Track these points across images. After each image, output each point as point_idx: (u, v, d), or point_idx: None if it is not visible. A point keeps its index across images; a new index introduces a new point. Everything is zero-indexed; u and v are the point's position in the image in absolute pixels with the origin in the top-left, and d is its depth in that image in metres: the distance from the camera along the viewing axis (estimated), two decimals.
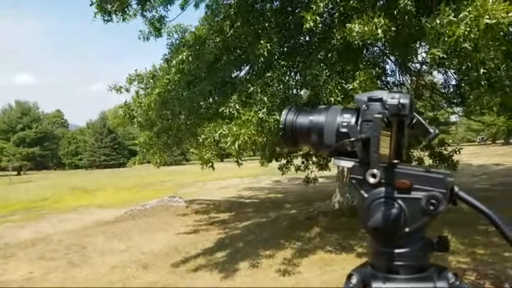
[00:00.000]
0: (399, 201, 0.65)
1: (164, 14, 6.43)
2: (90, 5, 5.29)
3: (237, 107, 4.59)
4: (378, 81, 7.81)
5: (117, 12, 5.20)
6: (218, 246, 6.77)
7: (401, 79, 9.50)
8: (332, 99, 4.30)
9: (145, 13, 6.25)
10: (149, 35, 6.50)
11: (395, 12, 3.82)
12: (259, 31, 5.30)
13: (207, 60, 5.55)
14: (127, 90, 6.72)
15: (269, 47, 4.69)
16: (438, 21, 3.10)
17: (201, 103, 5.56)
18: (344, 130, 0.70)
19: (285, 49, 5.65)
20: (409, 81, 9.98)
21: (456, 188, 0.68)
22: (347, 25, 3.50)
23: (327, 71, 4.53)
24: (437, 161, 9.66)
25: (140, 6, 5.65)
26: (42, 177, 43.41)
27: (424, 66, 8.74)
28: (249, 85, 4.92)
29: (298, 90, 5.47)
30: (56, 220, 11.26)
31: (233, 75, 5.96)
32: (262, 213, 10.16)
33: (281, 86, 4.98)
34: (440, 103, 10.43)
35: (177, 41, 6.47)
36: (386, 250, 0.67)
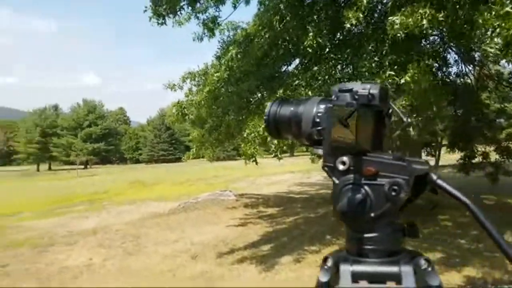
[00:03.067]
0: (366, 187, 0.66)
1: (217, 14, 6.60)
2: (144, 11, 5.56)
3: None
4: (438, 72, 7.46)
5: (169, 15, 5.41)
6: (264, 239, 6.84)
7: (464, 69, 9.00)
8: None
9: (198, 15, 6.45)
10: (202, 35, 6.69)
11: (444, 2, 3.61)
12: (308, 24, 5.25)
13: (256, 57, 5.61)
14: (181, 88, 6.93)
15: (318, 39, 4.63)
16: (492, 13, 2.86)
17: (250, 99, 5.64)
18: (318, 120, 0.71)
19: (335, 41, 5.56)
20: (472, 72, 9.43)
21: (434, 176, 0.67)
22: (389, 18, 3.38)
23: (377, 63, 4.39)
24: (504, 156, 9.06)
25: (191, 8, 5.81)
26: (105, 171, 46.19)
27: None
28: (295, 78, 4.90)
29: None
30: (115, 212, 11.94)
31: (280, 70, 5.97)
32: (310, 209, 10.09)
33: (328, 79, 4.91)
34: (510, 94, 9.80)
35: (229, 39, 6.60)
36: (356, 235, 0.68)
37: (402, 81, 3.84)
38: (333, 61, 5.02)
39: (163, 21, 5.58)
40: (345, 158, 0.67)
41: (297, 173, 23.20)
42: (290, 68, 6.21)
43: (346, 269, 0.67)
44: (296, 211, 9.91)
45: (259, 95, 5.64)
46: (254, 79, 5.45)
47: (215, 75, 5.89)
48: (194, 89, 6.94)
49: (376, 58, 4.32)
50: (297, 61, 6.09)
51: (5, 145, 68.23)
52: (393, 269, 0.66)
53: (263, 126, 4.42)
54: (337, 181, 0.68)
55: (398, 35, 3.34)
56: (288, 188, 15.96)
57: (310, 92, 4.55)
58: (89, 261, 6.29)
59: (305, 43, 4.64)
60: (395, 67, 4.08)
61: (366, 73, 4.19)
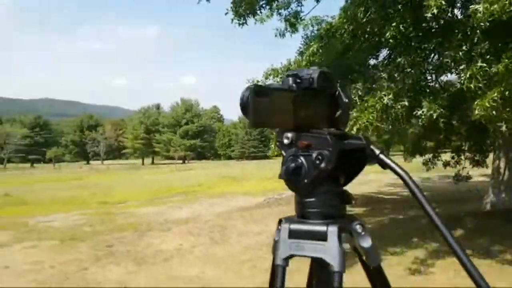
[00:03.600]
0: (301, 158, 0.75)
1: (299, 9, 6.63)
2: (226, 13, 5.84)
3: (360, 93, 4.49)
4: None
5: (249, 15, 5.61)
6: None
7: None
8: (471, 85, 3.85)
9: (280, 11, 6.55)
10: (284, 31, 6.77)
11: None
12: (391, 14, 5.04)
13: (337, 51, 5.54)
14: None
15: (401, 29, 4.44)
16: None
17: None
18: None
19: (419, 31, 5.26)
20: None
21: (377, 151, 0.77)
22: (470, 6, 3.12)
23: (466, 52, 4.07)
24: None
25: (268, 7, 5.95)
26: (200, 166, 49.09)
27: None
28: (376, 71, 4.76)
29: (433, 75, 5.06)
30: (207, 204, 12.67)
31: (362, 64, 5.82)
32: (400, 210, 9.63)
33: (413, 71, 4.68)
34: None
35: (312, 34, 6.59)
36: (299, 199, 0.80)
37: (494, 71, 3.51)
38: (418, 52, 4.75)
39: (244, 21, 5.78)
40: (289, 134, 0.77)
41: (391, 173, 22.15)
42: (372, 61, 6.02)
43: (285, 227, 0.80)
44: (383, 212, 9.54)
45: None
46: (334, 74, 5.37)
47: None
48: None
49: (464, 48, 4.00)
50: (380, 53, 5.88)
51: (116, 140, 75.83)
52: (323, 228, 0.74)
53: None
54: (284, 154, 0.78)
55: (482, 24, 3.07)
56: (379, 188, 15.37)
57: (392, 85, 4.39)
58: (180, 246, 6.82)
59: (387, 34, 4.48)
60: (487, 56, 3.74)
61: (452, 64, 3.91)
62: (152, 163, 67.77)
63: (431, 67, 4.66)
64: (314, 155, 0.74)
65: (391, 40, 4.49)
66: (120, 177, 29.33)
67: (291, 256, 0.78)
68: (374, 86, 4.53)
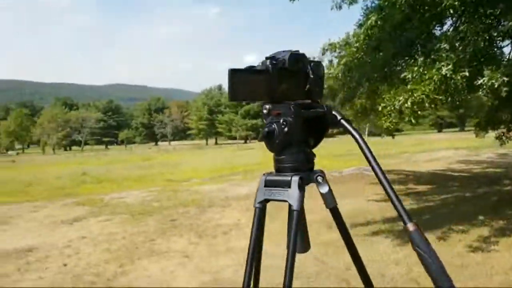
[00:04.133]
0: (274, 124, 0.92)
1: None
2: None
3: (421, 70, 4.28)
4: None
5: None
6: None
7: None
8: None
9: None
10: (341, 3, 6.54)
11: None
12: None
13: (396, 22, 5.29)
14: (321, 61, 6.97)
15: None
16: None
17: (385, 69, 5.39)
18: None
19: None
20: None
21: (338, 117, 0.93)
22: None
23: None
24: None
25: None
26: (261, 145, 49.60)
27: None
28: (437, 41, 4.50)
29: (500, 43, 4.68)
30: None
31: (422, 35, 5.51)
32: (468, 188, 9.13)
33: (476, 40, 4.36)
34: None
35: (373, 5, 6.31)
36: (274, 157, 0.99)
37: None
38: (483, 18, 4.40)
39: None
40: (267, 106, 0.95)
41: (463, 149, 20.95)
42: (433, 32, 5.66)
43: (263, 179, 0.99)
44: (450, 190, 9.10)
45: (394, 64, 5.32)
46: (391, 47, 5.16)
47: (354, 45, 5.77)
48: (335, 61, 6.88)
49: None
50: (441, 24, 5.51)
51: (181, 122, 78.91)
52: (288, 178, 0.94)
53: (399, 98, 4.23)
54: (264, 121, 0.95)
55: None
56: (448, 165, 14.60)
57: (452, 55, 4.13)
58: (238, 221, 7.09)
59: (447, 3, 4.21)
60: None
61: None
62: (216, 143, 69.91)
63: (495, 34, 4.30)
64: (281, 121, 0.92)
65: (451, 10, 4.20)
66: (185, 157, 30.65)
67: (266, 200, 0.98)
68: (433, 57, 4.29)
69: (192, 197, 10.31)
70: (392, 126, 4.61)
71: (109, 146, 73.00)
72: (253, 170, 17.07)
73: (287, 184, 0.94)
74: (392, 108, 4.23)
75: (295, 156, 0.96)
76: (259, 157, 25.13)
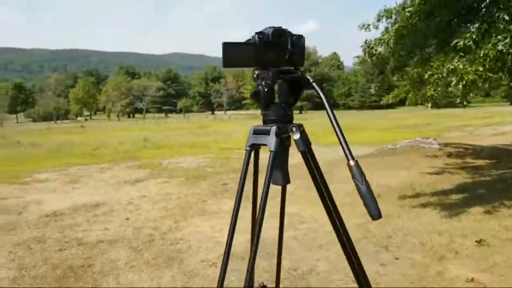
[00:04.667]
0: (260, 86, 1.20)
1: None
2: None
3: (474, 37, 4.09)
4: None
5: None
6: (458, 189, 6.40)
7: None
8: None
9: None
10: None
11: None
12: None
13: None
14: (376, 28, 6.69)
15: None
16: None
17: (438, 37, 5.16)
18: None
19: None
20: None
21: (310, 80, 1.15)
22: None
23: None
24: None
25: None
26: (317, 115, 49.06)
27: None
28: (495, 9, 4.25)
29: None
30: (318, 152, 12.88)
31: (481, 2, 5.18)
32: None
33: None
34: None
35: None
36: (262, 111, 1.26)
37: None
38: None
39: None
40: (256, 71, 1.19)
41: None
42: None
43: (251, 129, 1.29)
44: (511, 165, 8.64)
45: (447, 31, 5.06)
46: (446, 13, 4.92)
47: (407, 9, 5.55)
48: (390, 28, 6.64)
49: None
50: None
51: (237, 92, 79.64)
52: (268, 128, 1.22)
53: (447, 66, 4.10)
54: (255, 83, 1.21)
55: None
56: None
57: (511, 27, 3.89)
58: (289, 190, 7.30)
59: None
60: None
61: None
62: None
63: None
64: (263, 83, 1.18)
65: None
66: (239, 126, 31.20)
67: (253, 144, 1.29)
68: (490, 29, 4.06)
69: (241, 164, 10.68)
70: (436, 95, 4.48)
71: (168, 115, 75.97)
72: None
73: (268, 133, 1.21)
74: (440, 76, 4.11)
75: (275, 111, 1.23)
76: (314, 127, 25.00)
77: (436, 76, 4.22)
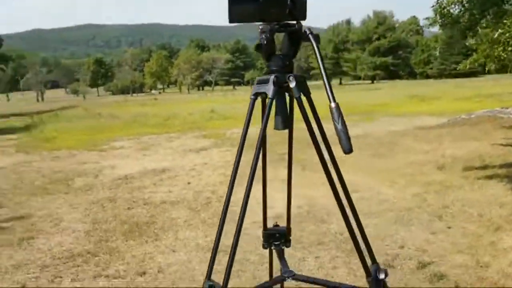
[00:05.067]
0: (261, 40, 1.29)
1: None
2: None
3: None
4: None
5: None
6: None
7: None
8: None
9: None
10: None
11: None
12: None
13: None
14: None
15: None
16: None
17: None
18: None
19: None
20: None
21: (307, 31, 1.22)
22: None
23: None
24: None
25: None
26: (390, 85, 46.83)
27: None
28: None
29: None
30: (386, 123, 12.51)
31: None
32: None
33: None
34: None
35: None
36: (264, 62, 1.36)
37: None
38: None
39: None
40: (260, 26, 1.29)
41: None
42: None
43: (256, 79, 1.39)
44: None
45: None
46: None
47: None
48: None
49: None
50: None
51: (305, 61, 78.13)
52: (268, 77, 1.31)
53: None
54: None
55: None
56: None
57: None
58: (343, 157, 7.22)
59: None
60: None
61: None
62: (340, 83, 68.13)
63: None
64: (263, 37, 1.27)
65: None
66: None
67: (256, 93, 1.37)
68: None
69: (306, 135, 10.68)
70: (505, 56, 4.11)
71: (236, 87, 77.19)
72: (375, 111, 16.53)
73: (268, 82, 1.31)
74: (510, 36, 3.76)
75: (275, 62, 1.32)
76: (386, 98, 24.02)
77: (508, 35, 3.87)
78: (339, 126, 1.13)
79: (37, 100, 66.13)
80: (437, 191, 4.94)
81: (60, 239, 4.03)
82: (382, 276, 1.33)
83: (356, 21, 68.60)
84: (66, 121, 18.62)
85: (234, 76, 79.32)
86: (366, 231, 3.79)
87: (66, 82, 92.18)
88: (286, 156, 6.74)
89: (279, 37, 1.41)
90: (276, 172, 6.32)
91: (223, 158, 8.01)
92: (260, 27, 1.28)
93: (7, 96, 78.57)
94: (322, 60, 1.19)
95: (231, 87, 77.88)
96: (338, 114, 1.13)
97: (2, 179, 6.98)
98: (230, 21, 1.26)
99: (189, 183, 6.09)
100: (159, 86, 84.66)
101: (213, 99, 35.18)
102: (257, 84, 1.36)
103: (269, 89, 1.30)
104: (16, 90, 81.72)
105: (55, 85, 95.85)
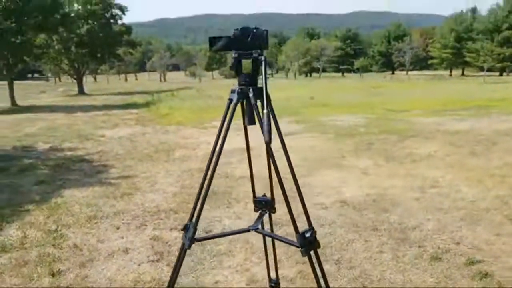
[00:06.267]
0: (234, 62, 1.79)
1: None
2: None
3: None
4: None
5: None
6: None
7: None
8: None
9: None
10: None
11: None
12: None
13: None
14: None
15: None
16: None
17: None
18: None
19: None
20: None
21: (262, 58, 1.69)
22: None
23: None
24: None
25: None
26: None
27: None
28: None
29: None
30: (497, 119, 11.39)
31: None
32: None
33: None
34: None
35: None
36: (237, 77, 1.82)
37: None
38: None
39: None
40: (233, 54, 1.76)
41: None
42: None
43: (232, 88, 1.83)
44: None
45: None
46: None
47: None
48: None
49: None
50: None
51: (423, 50, 72.75)
52: (235, 88, 1.80)
53: None
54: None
55: None
56: None
57: None
58: (434, 153, 6.96)
59: None
60: None
61: None
62: (462, 74, 62.06)
63: None
64: (233, 60, 1.77)
65: None
66: (418, 87, 29.05)
67: (229, 99, 1.82)
68: None
69: (402, 126, 10.33)
70: None
71: (345, 74, 75.42)
72: (491, 106, 15.03)
73: (235, 91, 1.80)
74: None
75: (241, 78, 1.80)
76: (506, 92, 21.49)
77: None
78: (265, 126, 1.57)
79: (160, 80, 73.21)
80: None
81: (153, 197, 4.82)
82: (308, 234, 1.76)
83: (484, 10, 61.23)
84: (179, 100, 20.57)
85: (344, 63, 77.54)
86: (428, 224, 3.85)
87: (185, 65, 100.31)
88: (373, 146, 6.97)
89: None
90: (358, 162, 6.44)
91: (309, 143, 8.28)
92: (233, 54, 1.74)
93: (135, 75, 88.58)
94: (266, 79, 1.63)
95: (339, 74, 76.39)
96: (267, 118, 1.56)
97: (120, 146, 8.28)
98: (212, 51, 1.77)
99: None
100: (269, 72, 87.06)
101: (316, 86, 35.13)
102: (231, 92, 1.82)
103: (234, 97, 1.78)
104: (143, 71, 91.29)
105: (176, 67, 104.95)
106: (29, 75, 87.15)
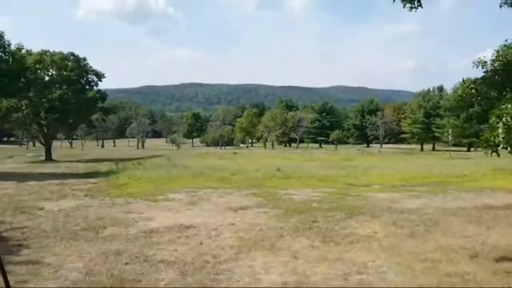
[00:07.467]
0: None
1: None
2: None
3: None
4: None
5: None
6: None
7: None
8: None
9: None
10: None
11: None
12: None
13: None
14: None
15: None
16: None
17: None
18: None
19: None
20: None
21: None
22: None
23: None
24: None
25: None
26: (480, 155, 42.74)
27: None
28: None
29: None
30: (451, 197, 11.45)
31: None
32: None
33: None
34: None
35: None
36: None
37: None
38: None
39: None
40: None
41: None
42: None
43: None
44: None
45: None
46: None
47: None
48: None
49: None
50: None
51: (396, 125, 75.65)
52: None
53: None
54: None
55: None
56: None
57: None
58: (373, 234, 6.76)
59: None
60: None
61: None
62: (433, 149, 64.08)
63: None
64: None
65: None
66: (387, 161, 29.59)
67: None
68: None
69: (355, 202, 10.21)
70: (493, 141, 3.71)
71: (322, 145, 77.16)
72: (450, 182, 15.22)
73: None
74: (505, 121, 3.42)
75: None
76: (470, 168, 21.96)
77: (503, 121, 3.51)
78: None
79: (137, 147, 73.02)
80: (453, 283, 4.38)
81: (49, 285, 4.37)
82: None
83: (449, 88, 65.18)
84: (143, 169, 20.21)
85: (320, 134, 79.72)
86: None
87: (167, 132, 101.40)
88: (315, 225, 6.31)
89: None
90: (294, 243, 6.19)
91: (253, 220, 8.01)
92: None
93: (114, 142, 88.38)
94: None
95: (317, 145, 78.08)
96: None
97: (51, 222, 7.81)
98: None
99: (201, 243, 6.19)
100: (249, 140, 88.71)
101: (288, 156, 35.52)
102: None
103: None
104: (124, 137, 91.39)
105: (158, 134, 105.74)
106: (5, 139, 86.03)
